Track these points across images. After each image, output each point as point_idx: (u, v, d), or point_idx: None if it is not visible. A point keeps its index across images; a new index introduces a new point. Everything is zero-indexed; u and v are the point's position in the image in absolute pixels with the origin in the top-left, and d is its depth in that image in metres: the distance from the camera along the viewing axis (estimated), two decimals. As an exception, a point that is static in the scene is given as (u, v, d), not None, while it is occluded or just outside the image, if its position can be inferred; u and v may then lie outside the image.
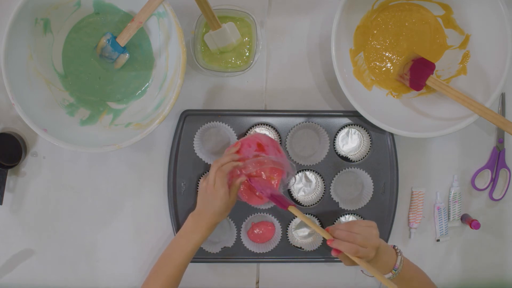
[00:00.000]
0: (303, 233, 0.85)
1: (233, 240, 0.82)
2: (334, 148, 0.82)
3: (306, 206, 0.82)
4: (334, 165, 0.82)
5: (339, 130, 0.82)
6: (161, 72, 0.76)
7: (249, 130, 0.81)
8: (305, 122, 0.80)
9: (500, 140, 0.85)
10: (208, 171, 0.80)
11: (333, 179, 0.82)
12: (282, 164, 0.75)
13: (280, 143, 0.81)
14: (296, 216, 0.82)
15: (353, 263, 0.65)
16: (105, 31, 0.75)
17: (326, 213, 0.82)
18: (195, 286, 0.86)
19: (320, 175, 0.82)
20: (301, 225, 0.85)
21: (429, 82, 0.77)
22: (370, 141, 0.81)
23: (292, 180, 0.81)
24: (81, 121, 0.76)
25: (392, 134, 0.81)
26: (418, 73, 0.78)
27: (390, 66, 0.81)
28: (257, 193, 0.77)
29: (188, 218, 0.73)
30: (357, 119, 0.81)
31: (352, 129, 0.83)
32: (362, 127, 0.82)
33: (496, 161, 0.86)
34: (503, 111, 0.85)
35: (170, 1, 0.69)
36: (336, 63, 0.73)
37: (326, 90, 0.83)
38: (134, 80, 0.78)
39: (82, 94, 0.77)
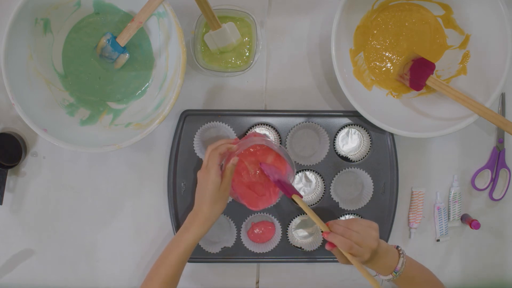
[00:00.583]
0: (303, 233, 0.85)
1: (233, 240, 0.82)
2: (334, 148, 0.82)
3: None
4: (334, 165, 0.82)
5: (339, 130, 0.82)
6: (161, 72, 0.76)
7: (249, 130, 0.81)
8: (305, 122, 0.80)
9: (500, 140, 0.85)
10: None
11: (333, 179, 0.82)
12: (282, 153, 0.75)
13: (280, 143, 0.81)
14: (296, 217, 0.83)
15: (348, 261, 0.64)
16: (105, 31, 0.75)
17: (326, 213, 0.82)
18: (195, 286, 0.86)
19: (320, 175, 0.82)
20: (301, 225, 0.85)
21: (429, 82, 0.77)
22: (370, 141, 0.81)
23: (291, 179, 0.81)
24: (81, 121, 0.76)
25: (392, 134, 0.81)
26: (418, 73, 0.78)
27: (390, 66, 0.81)
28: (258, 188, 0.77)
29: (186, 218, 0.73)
30: (357, 119, 0.81)
31: (352, 129, 0.83)
32: (362, 127, 0.82)
33: (496, 161, 0.86)
34: (503, 111, 0.85)
35: (170, 1, 0.69)
36: (336, 63, 0.73)
37: (326, 90, 0.83)
38: (134, 80, 0.78)
39: (82, 94, 0.77)
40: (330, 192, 0.81)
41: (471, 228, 0.84)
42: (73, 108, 0.76)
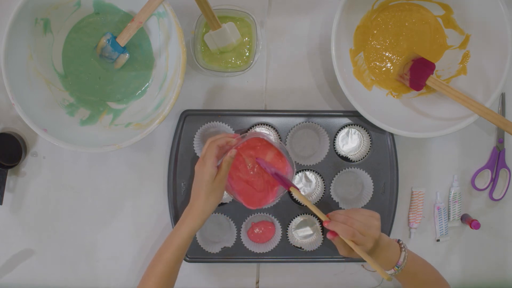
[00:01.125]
0: (303, 233, 0.85)
1: (233, 240, 0.82)
2: (334, 148, 0.82)
3: (306, 205, 0.82)
4: (334, 165, 0.82)
5: (339, 130, 0.82)
6: (161, 72, 0.76)
7: (249, 130, 0.80)
8: (305, 122, 0.80)
9: (500, 140, 0.85)
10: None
11: (333, 179, 0.82)
12: (282, 150, 0.75)
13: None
14: (296, 217, 0.83)
15: (350, 253, 0.63)
16: (105, 31, 0.75)
17: (326, 213, 0.82)
18: (195, 286, 0.86)
19: (320, 175, 0.82)
20: (301, 225, 0.85)
21: (429, 82, 0.77)
22: (370, 141, 0.81)
23: (291, 178, 0.81)
24: (81, 121, 0.76)
25: (392, 134, 0.81)
26: (418, 73, 0.78)
27: (390, 66, 0.81)
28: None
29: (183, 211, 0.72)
30: (357, 119, 0.81)
31: (352, 129, 0.83)
32: (362, 127, 0.82)
33: (496, 161, 0.86)
34: (503, 111, 0.85)
35: (170, 1, 0.69)
36: (336, 63, 0.73)
37: (326, 90, 0.83)
38: (134, 80, 0.78)
39: (82, 94, 0.77)
40: (330, 192, 0.81)
41: (471, 228, 0.84)
42: (73, 108, 0.76)
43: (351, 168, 0.82)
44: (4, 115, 0.81)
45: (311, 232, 0.85)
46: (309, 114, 0.81)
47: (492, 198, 0.87)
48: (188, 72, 0.81)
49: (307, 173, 0.83)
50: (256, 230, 0.84)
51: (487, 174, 0.87)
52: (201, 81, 0.82)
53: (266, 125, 0.81)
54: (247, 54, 0.79)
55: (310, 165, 0.81)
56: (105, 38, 0.73)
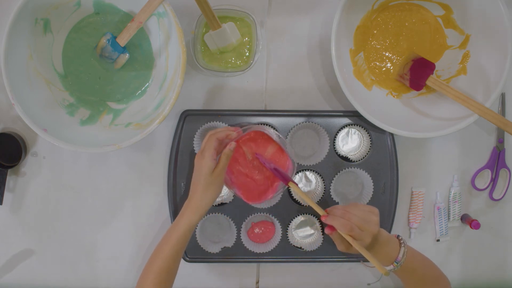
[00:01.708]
0: (303, 233, 0.85)
1: (233, 240, 0.82)
2: (334, 148, 0.82)
3: (306, 205, 0.82)
4: (334, 165, 0.82)
5: (339, 130, 0.82)
6: (161, 72, 0.76)
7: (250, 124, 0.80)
8: (305, 122, 0.80)
9: (500, 140, 0.85)
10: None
11: (333, 179, 0.82)
12: (283, 145, 0.75)
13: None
14: (296, 216, 0.83)
15: (348, 248, 0.63)
16: (105, 31, 0.75)
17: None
18: (195, 286, 0.86)
19: (320, 175, 0.82)
20: (301, 225, 0.85)
21: (429, 82, 0.77)
22: (370, 141, 0.81)
23: (292, 175, 0.81)
24: (81, 121, 0.76)
25: (392, 134, 0.81)
26: (418, 73, 0.78)
27: (390, 66, 0.81)
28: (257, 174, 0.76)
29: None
30: (357, 119, 0.81)
31: (352, 129, 0.83)
32: (362, 127, 0.82)
33: (496, 161, 0.86)
34: (503, 111, 0.85)
35: (170, 1, 0.69)
36: (336, 63, 0.73)
37: (326, 90, 0.83)
38: (134, 80, 0.78)
39: (82, 94, 0.77)
40: (330, 192, 0.81)
41: (471, 228, 0.84)
42: (73, 108, 0.76)
43: (351, 168, 0.82)
44: (4, 115, 0.81)
45: (311, 232, 0.85)
46: (309, 114, 0.81)
47: (492, 198, 0.87)
48: (188, 72, 0.81)
49: (307, 173, 0.83)
50: (256, 230, 0.84)
51: (487, 174, 0.87)
52: (201, 81, 0.82)
53: (266, 125, 0.81)
54: (247, 54, 0.79)
55: (310, 165, 0.81)
56: (105, 38, 0.74)
